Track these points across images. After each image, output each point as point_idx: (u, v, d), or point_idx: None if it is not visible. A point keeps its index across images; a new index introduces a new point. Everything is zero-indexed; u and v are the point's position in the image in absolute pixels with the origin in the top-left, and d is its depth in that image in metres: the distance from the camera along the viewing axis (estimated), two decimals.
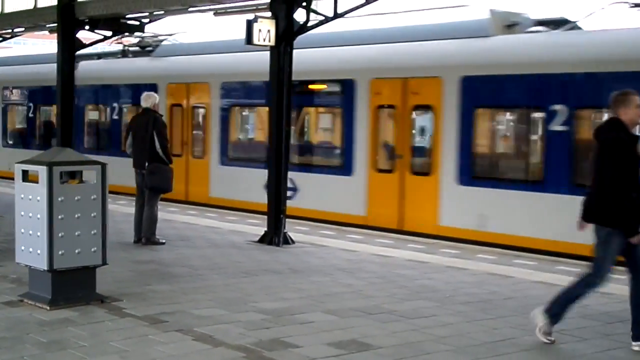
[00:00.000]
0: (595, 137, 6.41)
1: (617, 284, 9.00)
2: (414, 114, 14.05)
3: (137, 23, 16.44)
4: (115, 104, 19.95)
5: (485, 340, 6.43)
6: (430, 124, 13.84)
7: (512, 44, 13.20)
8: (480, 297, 8.13)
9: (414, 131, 14.21)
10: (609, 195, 6.15)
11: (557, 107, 11.95)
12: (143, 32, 17.40)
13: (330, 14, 11.76)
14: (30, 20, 18.24)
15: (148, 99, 11.21)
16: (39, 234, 7.05)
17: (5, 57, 25.32)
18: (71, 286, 7.19)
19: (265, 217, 11.80)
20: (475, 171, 13.14)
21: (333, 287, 8.41)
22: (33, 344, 5.99)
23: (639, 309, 6.37)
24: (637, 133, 6.53)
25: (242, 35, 11.47)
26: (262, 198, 15.06)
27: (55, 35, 16.15)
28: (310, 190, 15.27)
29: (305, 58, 15.27)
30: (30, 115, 22.80)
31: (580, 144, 11.77)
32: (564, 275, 9.45)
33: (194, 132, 18.00)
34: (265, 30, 11.33)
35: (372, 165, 14.38)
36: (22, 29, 19.98)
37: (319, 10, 11.90)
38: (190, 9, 15.12)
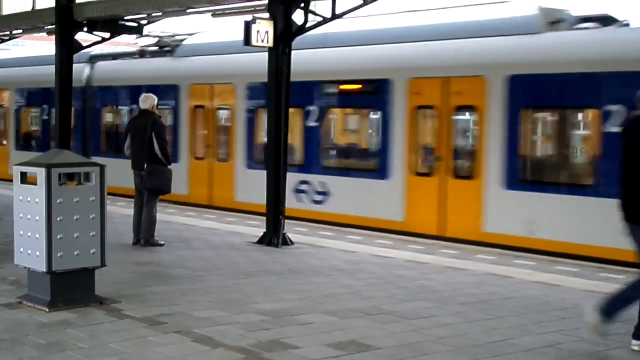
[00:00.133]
0: (623, 136, 6.37)
1: (615, 284, 9.03)
2: (455, 115, 13.46)
3: (135, 24, 16.42)
4: (134, 106, 19.21)
5: (485, 341, 6.43)
6: (474, 125, 13.35)
7: (563, 41, 12.54)
8: (480, 297, 8.13)
9: (455, 133, 13.56)
10: None
11: (613, 107, 11.38)
12: (141, 33, 17.26)
13: (329, 15, 11.77)
14: (29, 22, 18.23)
15: (146, 101, 11.21)
16: (37, 235, 7.04)
17: (17, 57, 24.72)
18: (70, 288, 7.19)
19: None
20: (523, 175, 12.58)
21: (332, 288, 8.41)
22: (32, 346, 5.99)
23: None
24: None
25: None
26: (290, 203, 14.47)
27: (54, 37, 16.13)
28: (342, 194, 14.74)
29: (337, 57, 15.06)
30: (44, 117, 22.15)
31: None
32: (563, 276, 9.48)
33: (218, 134, 17.45)
34: (264, 31, 11.33)
35: (410, 169, 13.80)
36: (20, 31, 19.97)
37: (317, 12, 11.91)
38: (188, 11, 15.12)
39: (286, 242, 11.38)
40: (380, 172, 14.23)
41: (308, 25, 11.69)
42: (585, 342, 6.48)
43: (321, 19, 11.89)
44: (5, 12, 19.10)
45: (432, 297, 8.05)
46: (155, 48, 19.73)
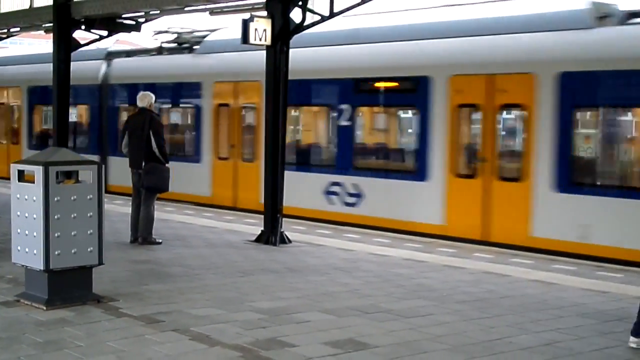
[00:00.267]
0: None
1: (614, 282, 9.07)
2: (501, 114, 12.84)
3: (133, 23, 16.40)
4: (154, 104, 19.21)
5: (482, 339, 6.43)
6: (521, 125, 12.71)
7: (617, 37, 11.96)
8: (477, 295, 8.13)
9: (501, 132, 12.96)
10: None
11: None
12: (139, 31, 17.18)
13: (327, 13, 11.76)
14: (26, 20, 18.20)
15: (144, 99, 11.21)
16: (35, 234, 7.04)
17: (28, 55, 24.09)
18: (67, 286, 7.19)
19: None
20: (576, 177, 11.98)
21: (330, 286, 8.41)
22: (29, 344, 5.99)
23: None
24: None
25: (317, 31, 11.07)
26: (321, 205, 14.50)
27: (51, 35, 16.11)
28: (377, 196, 14.09)
29: (372, 54, 14.48)
30: None
31: None
32: (560, 274, 9.49)
33: (244, 134, 16.69)
34: (262, 29, 11.32)
35: (451, 170, 13.14)
36: (18, 29, 19.94)
37: (315, 10, 11.90)
38: (187, 9, 15.11)
39: (284, 240, 11.38)
40: (418, 173, 13.61)
41: (306, 23, 11.68)
42: (583, 340, 6.49)
43: (319, 17, 11.87)
44: (2, 10, 19.07)
45: (430, 296, 8.05)
46: (174, 45, 19.15)
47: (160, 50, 19.45)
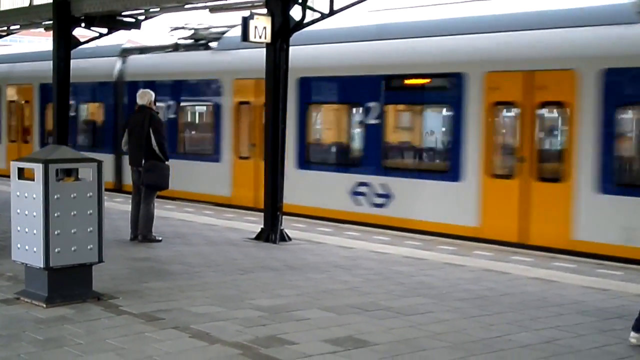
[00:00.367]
0: None
1: (613, 280, 9.07)
2: (540, 112, 12.33)
3: (133, 20, 16.41)
4: (171, 102, 18.18)
5: (482, 337, 6.44)
6: (562, 123, 12.27)
7: None
8: (477, 293, 8.13)
9: (540, 131, 12.43)
10: None
11: None
12: (139, 29, 17.11)
13: (327, 10, 11.76)
14: (26, 17, 18.21)
15: (144, 96, 11.21)
16: (35, 231, 7.04)
17: (40, 51, 23.27)
18: (67, 284, 7.19)
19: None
20: (621, 178, 11.56)
21: (330, 284, 8.42)
22: (29, 342, 5.99)
23: None
24: None
25: (321, 27, 10.81)
26: (348, 205, 14.09)
27: (51, 32, 16.11)
28: (407, 197, 13.65)
29: (402, 50, 14.01)
30: (71, 114, 20.65)
31: None
32: (560, 272, 9.49)
33: (266, 132, 16.65)
34: (261, 27, 11.32)
35: (486, 170, 12.68)
36: (18, 27, 19.95)
37: (315, 7, 11.90)
38: (186, 6, 15.11)
39: (284, 238, 11.38)
40: (451, 173, 13.13)
41: (306, 21, 11.67)
42: (583, 338, 6.50)
43: (319, 15, 11.87)
44: (2, 7, 19.08)
45: (430, 293, 8.05)
46: (190, 41, 18.75)
47: (176, 47, 19.04)
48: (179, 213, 14.30)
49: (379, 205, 14.03)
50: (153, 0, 14.84)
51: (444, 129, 13.85)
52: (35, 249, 7.05)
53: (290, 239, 11.44)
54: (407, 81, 14.03)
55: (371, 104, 14.28)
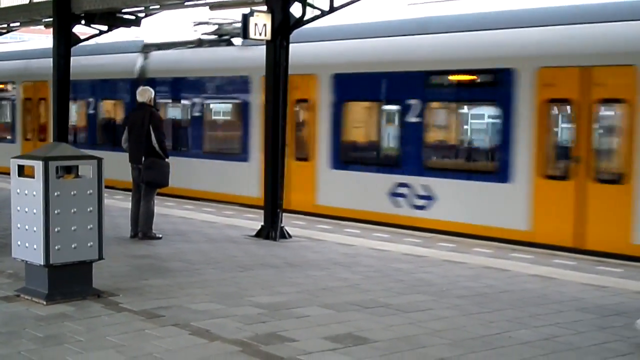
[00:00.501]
0: None
1: (612, 277, 9.08)
2: (598, 109, 11.70)
3: (133, 17, 16.40)
4: (196, 100, 17.67)
5: (481, 334, 6.44)
6: (621, 122, 11.50)
7: None
8: (477, 290, 8.14)
9: (598, 130, 11.79)
10: None
11: None
12: (139, 26, 17.06)
13: (327, 7, 11.76)
14: (26, 15, 18.20)
15: (144, 94, 11.21)
16: (35, 229, 7.05)
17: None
18: (68, 281, 7.20)
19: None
20: None
21: (329, 281, 8.42)
22: (29, 339, 6.00)
23: None
24: None
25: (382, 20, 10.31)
26: (386, 207, 13.51)
27: (51, 30, 16.11)
28: (451, 199, 13.07)
29: (447, 44, 13.44)
30: (90, 111, 20.43)
31: None
32: (559, 269, 9.49)
33: (297, 130, 15.52)
34: (262, 24, 11.31)
35: (538, 171, 12.02)
36: (18, 24, 19.94)
37: (315, 4, 11.90)
38: (187, 3, 15.11)
39: (284, 235, 11.38)
40: (499, 174, 12.50)
41: (306, 18, 11.68)
42: (582, 335, 6.50)
43: (319, 12, 11.87)
44: (3, 4, 19.08)
45: (429, 290, 8.06)
46: (214, 37, 18.10)
47: (200, 43, 18.27)
48: (179, 210, 14.31)
49: (419, 207, 13.51)
50: None
51: (491, 128, 13.22)
52: (35, 247, 7.06)
53: (290, 236, 11.45)
54: (450, 77, 13.45)
55: (412, 101, 13.65)
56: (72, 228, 7.11)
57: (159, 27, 16.80)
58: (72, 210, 7.11)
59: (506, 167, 12.41)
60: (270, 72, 11.66)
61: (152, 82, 17.90)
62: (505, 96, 12.40)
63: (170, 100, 18.71)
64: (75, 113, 20.90)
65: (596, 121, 11.75)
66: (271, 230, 11.35)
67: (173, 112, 18.80)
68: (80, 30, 16.13)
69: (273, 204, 11.56)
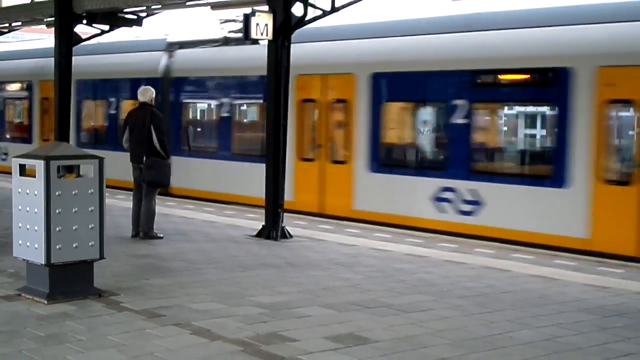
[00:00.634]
0: None
1: (613, 278, 9.07)
2: None
3: (135, 17, 16.40)
4: (224, 100, 17.06)
5: (483, 334, 6.44)
6: None
7: None
8: (478, 290, 8.14)
9: None
10: None
11: None
12: (140, 26, 16.98)
13: (328, 7, 11.76)
14: (28, 14, 18.18)
15: (145, 93, 11.23)
16: (36, 228, 7.05)
17: (77, 46, 22.64)
18: (69, 280, 7.20)
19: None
20: None
21: (331, 281, 8.42)
22: (31, 338, 6.00)
23: None
24: None
25: (399, 17, 10.00)
26: (430, 213, 13.06)
27: (53, 29, 16.11)
28: (501, 205, 12.41)
29: (496, 42, 12.90)
30: (111, 111, 19.75)
31: None
32: (561, 270, 9.49)
33: (333, 132, 14.97)
34: (263, 24, 11.32)
35: (598, 175, 11.34)
36: (20, 23, 19.93)
37: (316, 4, 11.90)
38: (188, 3, 15.10)
39: (285, 235, 11.38)
40: (555, 178, 11.83)
41: (307, 18, 11.68)
42: (584, 335, 6.50)
43: (321, 12, 11.87)
44: (4, 4, 19.08)
45: (431, 291, 8.06)
46: (241, 35, 16.64)
47: (226, 41, 17.61)
48: (180, 210, 14.31)
49: (466, 213, 12.87)
50: None
51: (545, 129, 12.57)
52: (36, 246, 7.06)
53: (291, 236, 11.45)
54: (500, 76, 12.81)
55: (458, 102, 13.02)
56: (74, 227, 7.11)
57: (173, 25, 16.42)
58: (74, 210, 7.11)
59: (562, 171, 11.77)
60: (272, 72, 11.66)
61: (177, 82, 17.87)
62: (561, 96, 11.81)
63: (198, 100, 18.26)
64: (98, 114, 20.58)
65: None
66: (272, 230, 11.34)
67: (201, 112, 18.37)
68: (81, 29, 16.13)
69: (274, 204, 11.56)
